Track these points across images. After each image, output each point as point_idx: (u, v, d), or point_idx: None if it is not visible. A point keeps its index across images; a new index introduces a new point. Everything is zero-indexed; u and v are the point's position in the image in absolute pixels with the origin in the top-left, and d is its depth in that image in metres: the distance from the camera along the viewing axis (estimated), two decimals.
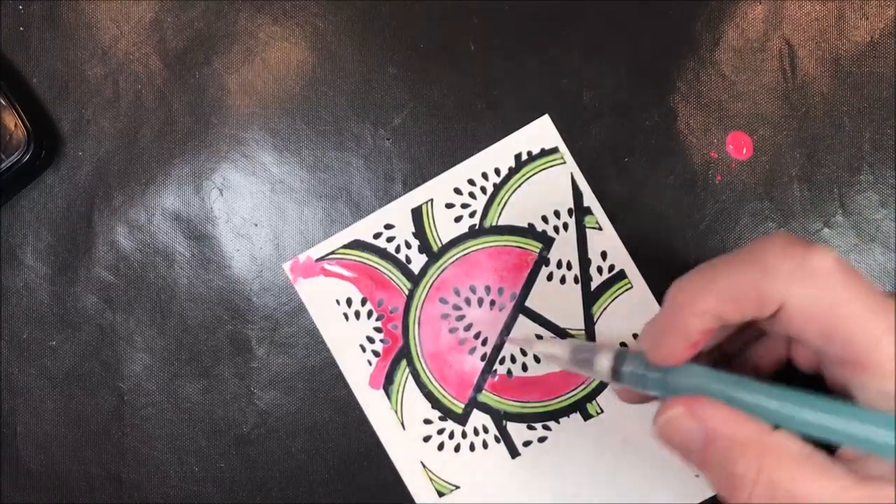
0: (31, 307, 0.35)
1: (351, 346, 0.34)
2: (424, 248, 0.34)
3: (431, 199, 0.34)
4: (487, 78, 0.34)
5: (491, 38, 0.34)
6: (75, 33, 0.35)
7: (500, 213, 0.34)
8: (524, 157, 0.34)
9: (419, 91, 0.34)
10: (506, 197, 0.34)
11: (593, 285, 0.34)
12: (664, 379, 0.24)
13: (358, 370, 0.34)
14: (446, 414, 0.34)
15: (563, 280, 0.34)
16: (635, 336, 0.33)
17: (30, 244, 0.35)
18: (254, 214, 0.35)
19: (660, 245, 0.34)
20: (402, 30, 0.34)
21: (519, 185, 0.34)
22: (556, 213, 0.34)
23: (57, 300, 0.35)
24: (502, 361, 0.34)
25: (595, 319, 0.34)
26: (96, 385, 0.35)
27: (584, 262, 0.34)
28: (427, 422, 0.34)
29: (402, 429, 0.34)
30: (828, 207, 0.34)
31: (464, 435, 0.34)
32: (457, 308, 0.34)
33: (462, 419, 0.34)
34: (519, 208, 0.34)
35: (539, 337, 0.34)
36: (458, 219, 0.34)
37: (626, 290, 0.34)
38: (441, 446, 0.34)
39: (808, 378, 0.26)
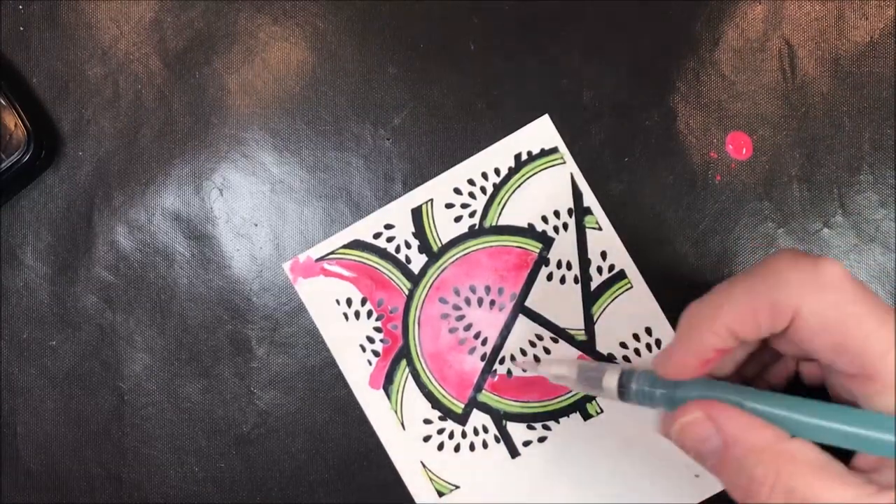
0: (31, 307, 0.35)
1: (351, 346, 0.34)
2: (424, 248, 0.34)
3: (431, 199, 0.34)
4: (487, 78, 0.34)
5: (491, 38, 0.34)
6: (75, 33, 0.35)
7: (500, 213, 0.34)
8: (524, 157, 0.34)
9: (419, 91, 0.34)
10: (506, 197, 0.34)
11: (593, 285, 0.34)
12: (673, 393, 0.25)
13: (358, 370, 0.34)
14: (446, 414, 0.34)
15: (562, 280, 0.34)
16: (635, 336, 0.33)
17: (30, 244, 0.35)
18: (254, 214, 0.35)
19: (660, 245, 0.34)
20: (402, 30, 0.34)
21: (519, 185, 0.34)
22: (556, 213, 0.34)
23: (57, 300, 0.35)
24: (502, 361, 0.34)
25: (595, 319, 0.34)
26: (96, 385, 0.35)
27: (584, 262, 0.34)
28: (427, 422, 0.34)
29: (401, 429, 0.34)
30: (827, 207, 0.34)
31: (464, 435, 0.34)
32: (457, 308, 0.34)
33: (462, 419, 0.34)
34: (519, 208, 0.34)
35: (539, 337, 0.34)
36: (457, 219, 0.34)
37: (626, 290, 0.34)
38: (441, 446, 0.34)
39: (813, 392, 0.26)
